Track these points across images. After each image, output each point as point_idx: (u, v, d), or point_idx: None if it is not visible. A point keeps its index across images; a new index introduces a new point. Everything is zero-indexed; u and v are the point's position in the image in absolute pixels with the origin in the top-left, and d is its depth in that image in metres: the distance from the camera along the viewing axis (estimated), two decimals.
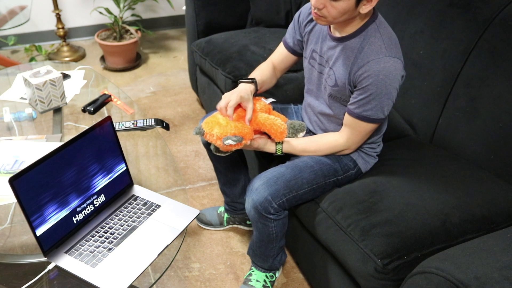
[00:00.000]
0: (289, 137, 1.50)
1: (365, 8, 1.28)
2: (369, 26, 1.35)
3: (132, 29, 3.18)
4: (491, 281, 0.94)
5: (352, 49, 1.37)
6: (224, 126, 1.42)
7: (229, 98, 1.44)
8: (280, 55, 1.64)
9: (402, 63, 1.33)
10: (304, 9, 1.53)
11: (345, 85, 1.39)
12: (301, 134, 1.51)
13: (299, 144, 1.50)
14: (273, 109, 1.60)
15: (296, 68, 1.86)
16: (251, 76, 1.58)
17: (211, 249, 1.89)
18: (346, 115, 1.42)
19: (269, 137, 1.50)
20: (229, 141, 1.39)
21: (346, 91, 1.40)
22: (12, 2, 3.12)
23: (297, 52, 1.60)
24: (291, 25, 1.58)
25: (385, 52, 1.31)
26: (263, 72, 1.61)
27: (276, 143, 1.49)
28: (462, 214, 1.35)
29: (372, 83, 1.31)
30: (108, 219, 1.30)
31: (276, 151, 1.49)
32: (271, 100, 1.60)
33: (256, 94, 1.57)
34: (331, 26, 1.42)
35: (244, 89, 1.48)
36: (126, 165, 1.39)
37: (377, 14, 1.37)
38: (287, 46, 1.61)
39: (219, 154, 1.52)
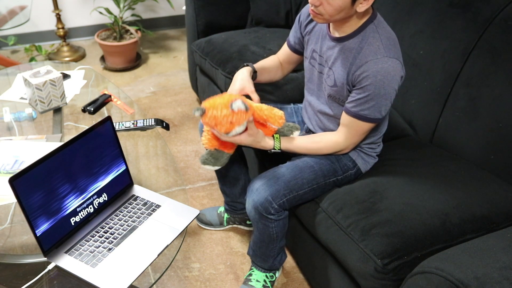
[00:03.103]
0: (284, 134, 1.49)
1: (361, 7, 1.28)
2: (367, 26, 1.35)
3: (132, 29, 3.18)
4: (491, 281, 0.94)
5: (350, 50, 1.37)
6: (227, 99, 1.34)
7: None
8: (284, 54, 1.67)
9: (401, 63, 1.33)
10: (305, 9, 1.54)
11: (343, 85, 1.39)
12: (296, 132, 1.50)
13: (298, 142, 1.49)
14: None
15: (296, 68, 1.86)
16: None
17: (211, 249, 1.89)
18: (343, 114, 1.41)
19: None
20: (239, 104, 1.29)
21: (344, 91, 1.40)
22: (12, 2, 3.12)
23: (299, 51, 1.62)
24: (294, 25, 1.60)
25: (383, 53, 1.31)
26: (266, 61, 1.65)
27: (275, 139, 1.47)
28: (462, 214, 1.35)
29: (370, 84, 1.31)
30: (108, 219, 1.30)
31: (274, 147, 1.47)
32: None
33: (255, 79, 1.58)
34: (330, 26, 1.42)
35: (241, 77, 1.49)
36: (126, 165, 1.39)
37: (376, 14, 1.37)
38: (290, 45, 1.63)
39: (208, 167, 1.47)
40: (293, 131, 1.49)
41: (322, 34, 1.46)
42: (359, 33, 1.35)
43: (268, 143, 1.47)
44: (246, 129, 1.40)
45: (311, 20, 1.50)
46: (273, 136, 1.48)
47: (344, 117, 1.42)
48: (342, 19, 1.32)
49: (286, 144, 1.48)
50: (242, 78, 1.49)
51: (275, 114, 1.43)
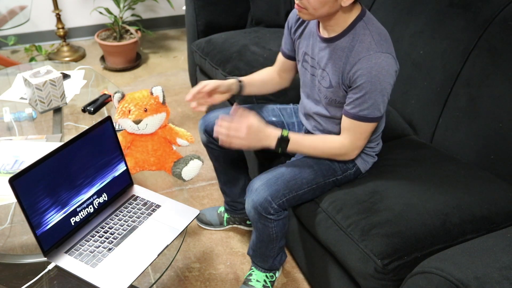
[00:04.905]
0: (185, 162, 1.49)
1: (346, 1, 1.27)
2: (357, 24, 1.34)
3: (132, 29, 3.18)
4: (491, 281, 0.94)
5: (342, 49, 1.36)
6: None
7: (206, 83, 1.51)
8: (279, 63, 1.66)
9: (394, 58, 1.32)
10: (292, 14, 1.54)
11: (339, 85, 1.39)
12: (196, 160, 1.50)
13: (305, 136, 1.46)
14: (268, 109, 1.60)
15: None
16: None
17: (211, 249, 1.90)
18: (344, 117, 1.40)
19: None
20: (159, 89, 1.44)
21: (340, 92, 1.40)
22: (12, 2, 3.12)
23: (293, 57, 1.61)
24: (284, 32, 1.59)
25: (375, 48, 1.30)
26: (256, 74, 1.67)
27: (282, 130, 1.42)
28: (462, 214, 1.35)
29: (366, 81, 1.30)
30: (108, 219, 1.30)
31: (281, 133, 1.41)
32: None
33: (242, 91, 1.62)
34: (320, 26, 1.42)
35: (224, 81, 1.56)
36: (126, 165, 1.39)
37: (365, 11, 1.36)
38: (284, 53, 1.63)
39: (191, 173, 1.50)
40: (193, 159, 1.49)
41: (312, 37, 1.46)
42: (349, 31, 1.35)
43: (273, 133, 1.41)
44: (155, 133, 1.48)
45: (300, 24, 1.50)
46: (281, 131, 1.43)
47: (345, 121, 1.40)
48: (328, 14, 1.31)
49: (293, 135, 1.43)
50: (219, 85, 1.56)
51: (185, 133, 1.53)
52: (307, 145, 1.45)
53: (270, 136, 1.41)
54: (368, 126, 1.39)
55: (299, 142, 1.44)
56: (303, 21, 1.50)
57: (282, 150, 1.43)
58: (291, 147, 1.43)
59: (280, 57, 1.66)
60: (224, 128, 1.38)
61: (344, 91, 1.39)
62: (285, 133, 1.42)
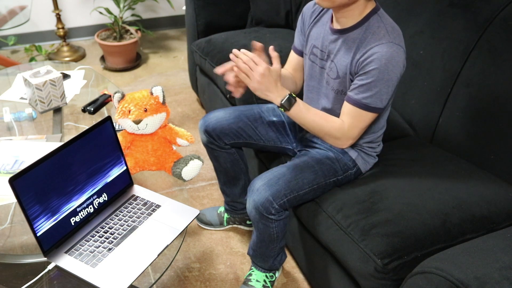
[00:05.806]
0: (185, 162, 1.50)
1: None
2: (371, 17, 1.35)
3: (132, 29, 3.18)
4: (491, 281, 0.94)
5: (353, 40, 1.37)
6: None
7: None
8: (291, 63, 1.64)
9: (404, 52, 1.33)
10: (306, 9, 1.54)
11: (346, 75, 1.39)
12: (196, 160, 1.51)
13: (309, 108, 1.44)
14: None
15: None
16: None
17: (211, 249, 1.90)
18: (345, 103, 1.39)
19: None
20: (159, 89, 1.44)
21: (347, 82, 1.40)
22: (12, 2, 3.12)
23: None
24: (297, 30, 1.59)
25: (388, 38, 1.31)
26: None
27: (284, 97, 1.38)
28: (462, 214, 1.35)
29: (374, 69, 1.30)
30: (108, 219, 1.30)
31: (289, 93, 1.39)
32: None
33: None
34: (333, 18, 1.42)
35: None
36: (126, 165, 1.39)
37: (379, 7, 1.37)
38: (296, 50, 1.61)
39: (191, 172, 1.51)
40: (193, 159, 1.51)
41: (324, 29, 1.46)
42: (362, 24, 1.36)
43: (283, 90, 1.38)
44: (155, 133, 1.49)
45: (316, 15, 1.50)
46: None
47: (346, 106, 1.39)
48: (348, 3, 1.31)
49: (300, 101, 1.41)
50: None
51: (185, 132, 1.55)
52: (310, 115, 1.43)
53: (279, 91, 1.38)
54: (367, 116, 1.38)
55: (304, 108, 1.42)
56: (319, 13, 1.50)
57: (284, 110, 1.40)
58: (295, 109, 1.40)
59: (292, 56, 1.64)
60: (248, 56, 1.36)
61: (350, 81, 1.39)
62: (294, 94, 1.41)
